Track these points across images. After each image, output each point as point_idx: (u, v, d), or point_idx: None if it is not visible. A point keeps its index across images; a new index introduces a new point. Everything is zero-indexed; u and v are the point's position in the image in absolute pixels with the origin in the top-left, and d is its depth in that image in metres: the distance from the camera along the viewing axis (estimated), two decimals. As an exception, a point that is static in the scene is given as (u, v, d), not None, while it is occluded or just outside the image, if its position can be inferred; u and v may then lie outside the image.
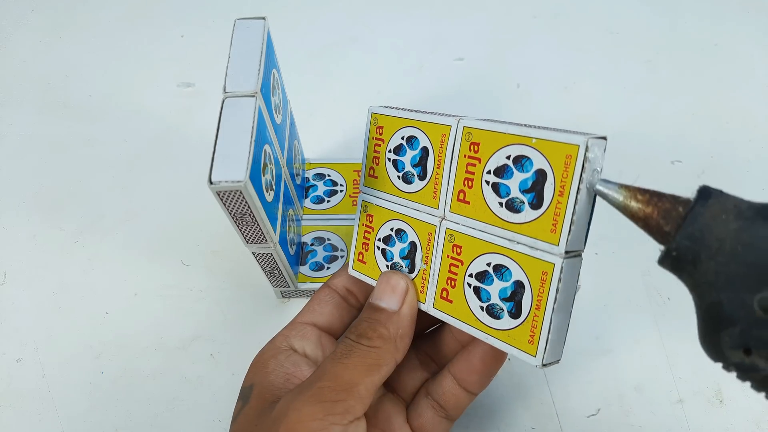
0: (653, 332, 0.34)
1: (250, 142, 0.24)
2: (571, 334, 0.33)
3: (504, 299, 0.22)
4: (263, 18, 0.28)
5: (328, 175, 0.38)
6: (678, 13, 0.49)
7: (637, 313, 0.34)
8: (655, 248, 0.37)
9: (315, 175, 0.38)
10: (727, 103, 0.43)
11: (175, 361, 0.33)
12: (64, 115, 0.43)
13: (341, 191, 0.37)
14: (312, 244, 0.35)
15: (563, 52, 0.47)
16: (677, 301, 0.35)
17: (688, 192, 0.18)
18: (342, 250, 0.35)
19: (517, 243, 0.22)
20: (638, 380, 0.32)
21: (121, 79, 0.45)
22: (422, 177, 0.25)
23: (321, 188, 0.37)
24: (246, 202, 0.24)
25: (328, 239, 0.35)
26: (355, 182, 0.37)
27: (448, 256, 0.24)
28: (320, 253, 0.35)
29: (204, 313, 0.34)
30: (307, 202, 0.37)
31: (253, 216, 0.25)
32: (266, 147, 0.27)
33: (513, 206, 0.22)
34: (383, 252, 0.26)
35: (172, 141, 0.41)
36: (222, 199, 0.24)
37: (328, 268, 0.34)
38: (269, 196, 0.27)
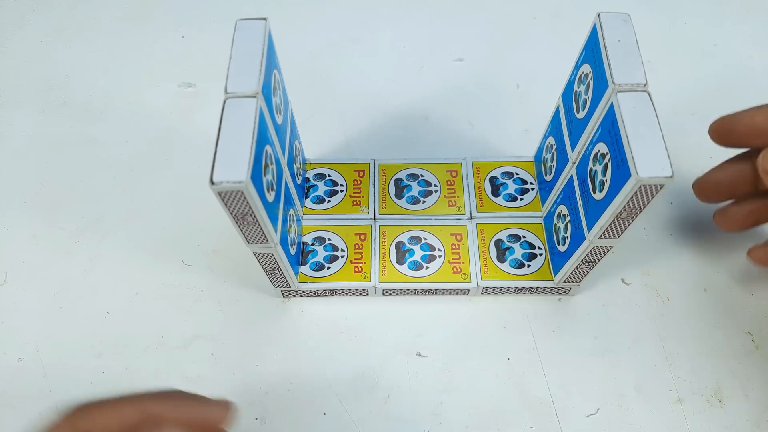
0: (652, 332, 0.34)
1: (252, 143, 0.24)
2: (570, 334, 0.34)
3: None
4: (264, 19, 0.28)
5: (329, 176, 0.38)
6: (677, 14, 0.49)
7: (636, 313, 0.34)
8: (654, 248, 0.37)
9: (315, 175, 0.38)
10: (727, 104, 0.43)
11: (176, 361, 0.33)
12: (65, 115, 0.43)
13: (341, 191, 0.37)
14: (312, 244, 0.35)
15: (563, 52, 0.47)
16: (676, 301, 0.35)
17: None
18: (342, 249, 0.35)
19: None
20: (638, 380, 0.32)
21: (122, 80, 0.45)
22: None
23: (321, 188, 0.37)
24: (247, 202, 0.24)
25: (329, 239, 0.35)
26: (356, 182, 0.37)
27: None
28: (321, 253, 0.35)
29: (205, 313, 0.35)
30: (308, 202, 0.37)
31: (254, 216, 0.25)
32: (267, 147, 0.27)
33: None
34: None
35: (173, 141, 0.42)
36: (223, 200, 0.24)
37: (328, 267, 0.34)
38: (270, 197, 0.27)
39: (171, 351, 0.33)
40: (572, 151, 0.31)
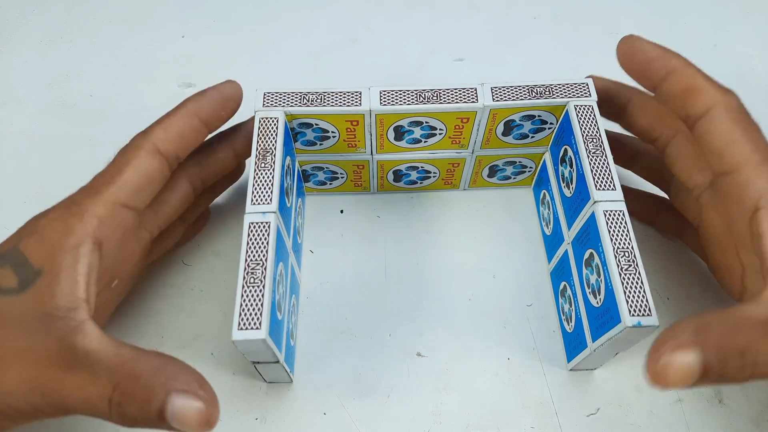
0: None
1: (269, 299, 0.25)
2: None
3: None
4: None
5: (316, 124, 0.33)
6: (677, 14, 0.49)
7: (637, 313, 0.34)
8: (652, 251, 0.37)
9: (300, 124, 0.33)
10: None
11: (176, 361, 0.33)
12: (65, 115, 0.43)
13: (333, 137, 0.33)
14: (312, 170, 0.37)
15: (563, 52, 0.47)
16: (675, 302, 0.35)
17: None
18: (342, 173, 0.36)
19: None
20: (638, 380, 0.32)
21: (122, 79, 0.45)
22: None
23: (310, 134, 0.33)
24: (268, 348, 0.26)
25: (327, 167, 0.36)
26: (349, 130, 0.33)
27: None
28: (321, 176, 0.37)
29: (205, 313, 0.34)
30: (297, 145, 0.34)
31: (272, 356, 0.27)
32: (280, 266, 0.29)
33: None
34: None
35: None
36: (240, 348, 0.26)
37: (330, 184, 0.37)
38: (279, 314, 0.28)
39: (171, 350, 0.33)
40: (569, 229, 0.32)
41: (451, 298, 0.35)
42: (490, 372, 0.33)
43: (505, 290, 0.35)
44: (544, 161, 0.36)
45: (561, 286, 0.33)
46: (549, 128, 0.33)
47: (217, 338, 0.34)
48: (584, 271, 0.30)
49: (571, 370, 0.32)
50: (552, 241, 0.35)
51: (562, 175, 0.33)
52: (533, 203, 0.38)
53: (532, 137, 0.34)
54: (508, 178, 0.38)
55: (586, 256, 0.29)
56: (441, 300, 0.35)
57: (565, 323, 0.33)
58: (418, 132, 0.33)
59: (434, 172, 0.37)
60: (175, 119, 0.26)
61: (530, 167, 0.37)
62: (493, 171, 0.37)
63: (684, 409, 0.31)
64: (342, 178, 0.37)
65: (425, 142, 0.34)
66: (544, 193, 0.36)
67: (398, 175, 0.37)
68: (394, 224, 0.37)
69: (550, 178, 0.35)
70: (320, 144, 0.34)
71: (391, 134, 0.33)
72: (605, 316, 0.27)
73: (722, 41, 0.47)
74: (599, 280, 0.27)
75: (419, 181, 0.38)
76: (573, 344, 0.31)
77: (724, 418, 0.31)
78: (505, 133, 0.33)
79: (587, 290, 0.29)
